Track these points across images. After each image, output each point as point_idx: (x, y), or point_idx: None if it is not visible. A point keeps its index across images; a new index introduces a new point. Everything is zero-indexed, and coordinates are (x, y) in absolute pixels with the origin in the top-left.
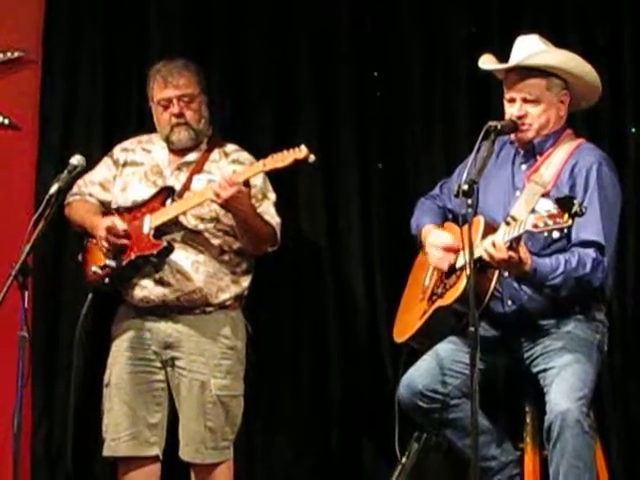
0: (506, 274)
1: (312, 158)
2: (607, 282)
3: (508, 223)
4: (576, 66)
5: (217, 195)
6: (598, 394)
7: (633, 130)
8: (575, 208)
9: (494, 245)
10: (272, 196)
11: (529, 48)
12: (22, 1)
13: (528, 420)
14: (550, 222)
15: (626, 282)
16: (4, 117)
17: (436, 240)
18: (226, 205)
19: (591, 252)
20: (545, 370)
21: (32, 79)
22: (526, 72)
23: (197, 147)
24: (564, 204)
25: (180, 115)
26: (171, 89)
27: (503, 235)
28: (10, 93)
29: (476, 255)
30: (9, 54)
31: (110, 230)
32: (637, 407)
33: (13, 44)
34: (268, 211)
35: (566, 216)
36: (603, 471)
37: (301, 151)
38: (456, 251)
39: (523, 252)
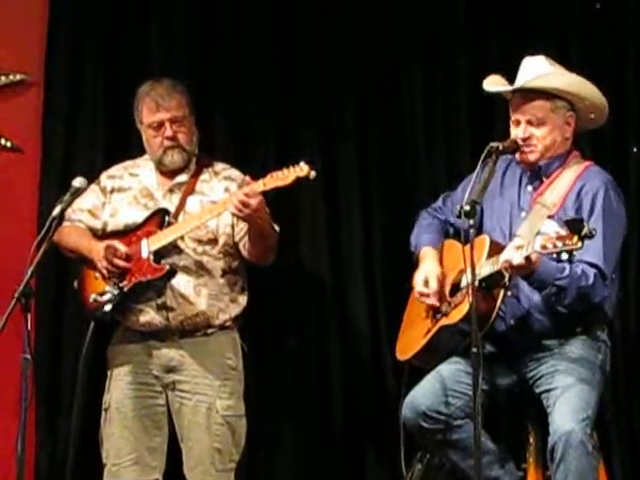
0: (509, 293)
1: (313, 174)
2: (609, 302)
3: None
4: (581, 88)
5: (245, 205)
6: (601, 414)
7: (635, 149)
8: (585, 230)
9: (510, 264)
10: (266, 209)
11: (535, 70)
12: (24, 24)
13: (531, 440)
14: (559, 244)
15: (628, 302)
16: (7, 140)
17: (416, 280)
18: (249, 217)
19: (593, 270)
20: (548, 391)
21: (34, 102)
22: (531, 94)
23: (186, 168)
24: (574, 226)
25: (173, 138)
26: (163, 112)
27: (515, 256)
28: (13, 116)
29: (483, 273)
30: (11, 77)
31: (110, 251)
32: None
33: (15, 67)
34: None
35: (575, 238)
36: None
37: (302, 169)
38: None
39: (534, 256)
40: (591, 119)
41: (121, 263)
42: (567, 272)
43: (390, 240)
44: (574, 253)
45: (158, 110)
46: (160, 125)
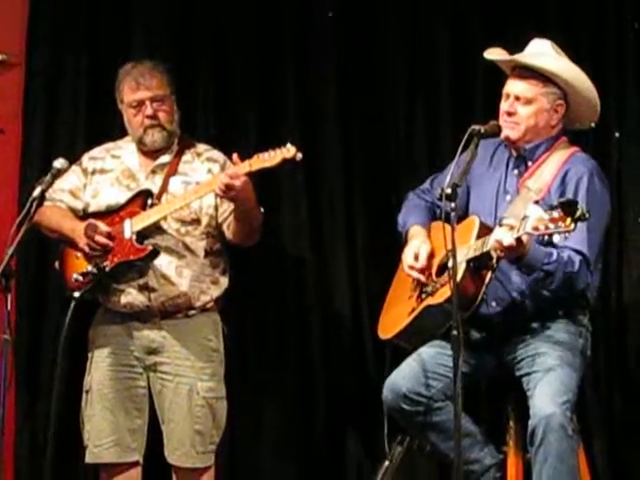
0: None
1: (299, 156)
2: (591, 287)
3: (502, 225)
4: (574, 77)
5: (229, 187)
6: (581, 398)
7: (617, 135)
8: (579, 213)
9: (501, 244)
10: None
11: (537, 50)
12: (5, 5)
13: (511, 423)
14: (552, 225)
15: (609, 288)
16: None
17: (407, 254)
18: (235, 197)
19: (578, 256)
20: (529, 374)
21: (15, 82)
22: (527, 73)
23: (168, 149)
24: (568, 208)
25: (154, 117)
26: (143, 91)
27: (506, 236)
28: None
29: (472, 254)
30: None
31: (91, 229)
32: (620, 411)
33: None
34: None
35: (569, 220)
36: (586, 475)
37: (289, 150)
38: (420, 270)
39: (525, 238)
40: (581, 114)
41: (103, 240)
42: (555, 257)
43: (372, 223)
44: (565, 235)
45: (139, 89)
46: (141, 104)
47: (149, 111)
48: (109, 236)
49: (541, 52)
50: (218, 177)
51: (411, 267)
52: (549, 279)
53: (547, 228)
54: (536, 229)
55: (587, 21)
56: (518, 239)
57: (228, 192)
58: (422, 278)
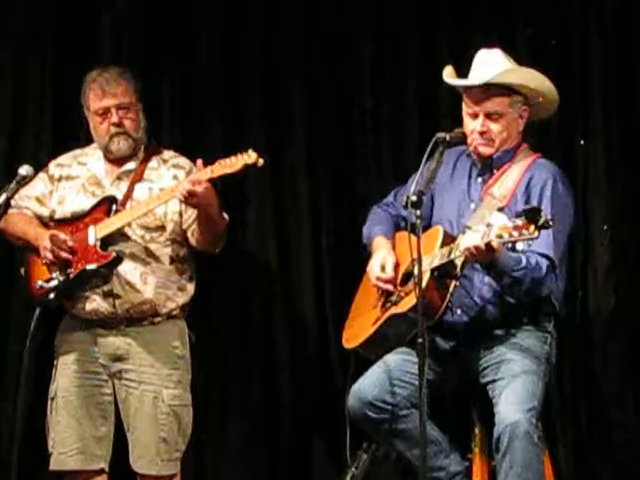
0: (458, 283)
1: (261, 162)
2: (557, 294)
3: (468, 232)
4: (540, 84)
5: (192, 193)
6: (546, 405)
7: (582, 142)
8: (542, 220)
9: (475, 248)
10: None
11: (493, 64)
12: None
13: (476, 431)
14: (515, 233)
15: (575, 292)
16: None
17: (373, 265)
18: (197, 203)
19: (545, 260)
20: (494, 381)
21: None
22: (492, 89)
23: (135, 155)
24: (531, 216)
25: (119, 124)
26: (109, 98)
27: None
28: None
29: (436, 263)
30: None
31: (54, 241)
32: (585, 418)
33: None
34: None
35: (532, 227)
36: None
37: (250, 156)
38: (387, 281)
39: (496, 244)
40: (542, 112)
41: (64, 255)
42: (524, 263)
43: (337, 229)
44: (529, 243)
45: (104, 96)
46: (106, 111)
47: (115, 119)
48: (71, 249)
49: (504, 66)
50: (181, 183)
51: (378, 278)
52: (517, 285)
53: (511, 236)
54: (500, 237)
55: (552, 29)
56: (488, 244)
57: (190, 198)
58: (390, 288)
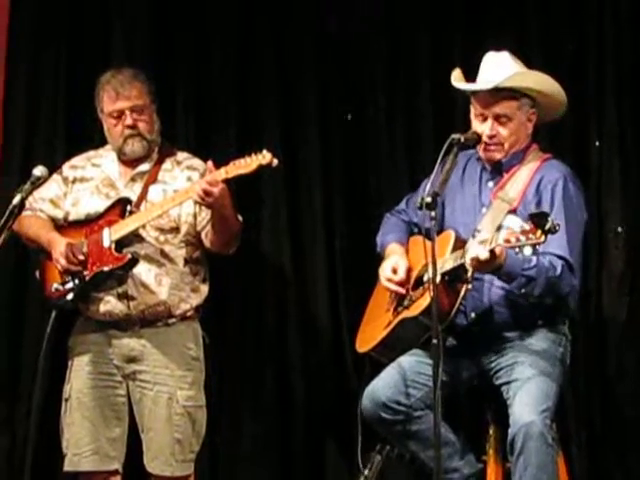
0: (470, 287)
1: (275, 162)
2: (573, 294)
3: (476, 238)
4: (549, 87)
5: (208, 193)
6: (560, 406)
7: (597, 144)
8: (549, 225)
9: (477, 260)
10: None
11: (501, 67)
12: None
13: (491, 432)
14: (522, 238)
15: (590, 294)
16: None
17: (385, 267)
18: (212, 204)
19: (560, 260)
20: (508, 382)
21: None
22: (501, 92)
23: (148, 157)
24: (538, 220)
25: (133, 127)
26: (123, 101)
27: (481, 250)
28: None
29: (447, 267)
30: None
31: (67, 253)
32: (599, 419)
33: None
34: None
35: (539, 232)
36: None
37: (264, 157)
38: (399, 283)
39: (499, 250)
40: (550, 114)
41: (73, 268)
42: (534, 262)
43: (352, 231)
44: (537, 247)
45: (118, 99)
46: (120, 114)
47: (129, 121)
48: (84, 262)
49: (512, 70)
50: (196, 184)
51: (389, 280)
52: (531, 284)
53: (518, 240)
54: (508, 241)
55: (567, 32)
56: (492, 251)
57: (206, 199)
58: (401, 290)
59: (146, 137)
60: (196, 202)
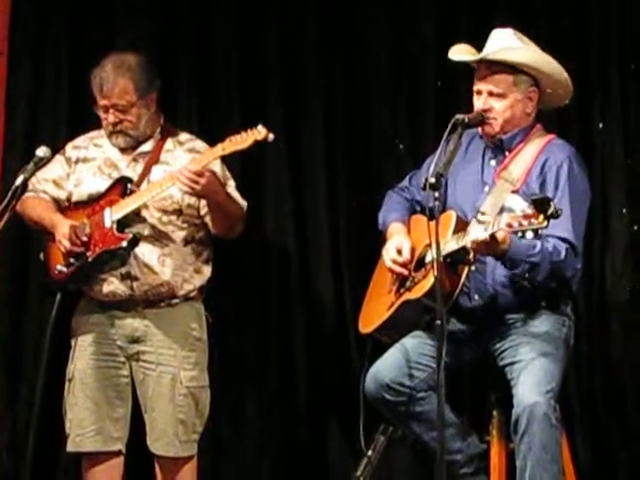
0: (473, 268)
1: (271, 137)
2: (575, 276)
3: (479, 220)
4: (544, 64)
5: (191, 188)
6: (564, 387)
7: (601, 126)
8: (551, 210)
9: (477, 242)
10: (232, 182)
11: (501, 42)
12: None
13: (494, 413)
14: (525, 222)
15: (592, 276)
16: None
17: (389, 248)
18: (201, 194)
19: (564, 244)
20: (512, 363)
21: None
22: (495, 66)
23: (150, 137)
24: (540, 205)
25: (115, 124)
26: (106, 99)
27: (481, 233)
28: None
29: (448, 249)
30: None
31: (71, 235)
32: (602, 400)
33: None
34: (233, 194)
35: (541, 217)
36: (569, 463)
37: (260, 132)
38: (403, 265)
39: (501, 235)
40: (555, 96)
41: (77, 249)
42: (539, 248)
43: (355, 212)
44: (539, 231)
45: (102, 95)
46: (106, 109)
47: (111, 119)
48: (86, 242)
49: (506, 44)
50: (180, 172)
51: (394, 261)
52: (535, 270)
53: (520, 225)
54: (510, 226)
55: (570, 13)
56: (492, 235)
57: (195, 188)
58: (405, 272)
59: (129, 133)
60: (185, 192)
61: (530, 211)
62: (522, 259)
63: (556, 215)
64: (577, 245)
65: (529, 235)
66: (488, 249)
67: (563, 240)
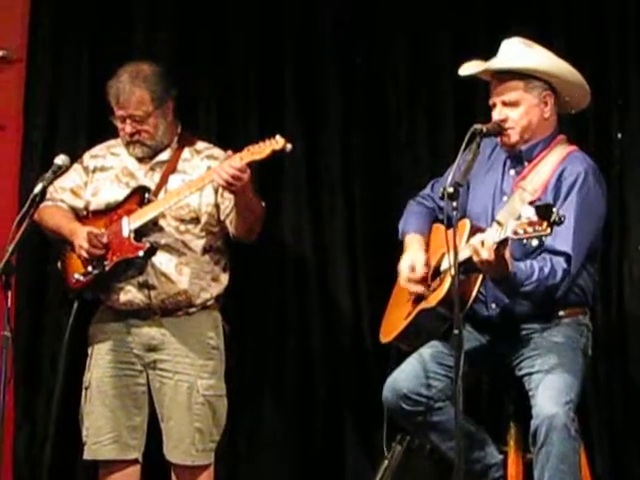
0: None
1: (289, 147)
2: (588, 288)
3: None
4: (554, 66)
5: (237, 179)
6: (582, 398)
7: (619, 136)
8: (554, 217)
9: (483, 244)
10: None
11: (510, 51)
12: (7, 0)
13: (512, 423)
14: (530, 229)
15: (610, 286)
16: None
17: (402, 266)
18: (239, 190)
19: (562, 261)
20: (530, 374)
21: (16, 79)
22: (505, 76)
23: (168, 146)
24: (543, 212)
25: (132, 135)
26: (122, 109)
27: (492, 236)
28: None
29: (462, 257)
30: None
31: (90, 239)
32: (621, 411)
33: None
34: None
35: (545, 224)
36: (587, 475)
37: (277, 142)
38: (418, 281)
39: (507, 255)
40: (572, 99)
41: (98, 253)
42: (535, 276)
43: (372, 220)
44: (544, 239)
45: (118, 106)
46: (123, 119)
47: (128, 129)
48: (106, 246)
49: (513, 52)
50: (214, 170)
51: (408, 280)
52: (529, 298)
53: (526, 232)
54: (516, 233)
55: (588, 23)
56: (499, 245)
57: (234, 184)
58: (420, 290)
59: (147, 143)
60: (223, 188)
61: (535, 218)
62: (517, 289)
63: (559, 222)
64: (574, 259)
65: (534, 243)
66: (492, 268)
67: (562, 254)
